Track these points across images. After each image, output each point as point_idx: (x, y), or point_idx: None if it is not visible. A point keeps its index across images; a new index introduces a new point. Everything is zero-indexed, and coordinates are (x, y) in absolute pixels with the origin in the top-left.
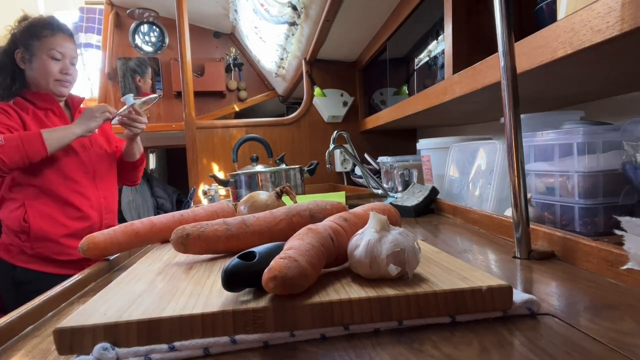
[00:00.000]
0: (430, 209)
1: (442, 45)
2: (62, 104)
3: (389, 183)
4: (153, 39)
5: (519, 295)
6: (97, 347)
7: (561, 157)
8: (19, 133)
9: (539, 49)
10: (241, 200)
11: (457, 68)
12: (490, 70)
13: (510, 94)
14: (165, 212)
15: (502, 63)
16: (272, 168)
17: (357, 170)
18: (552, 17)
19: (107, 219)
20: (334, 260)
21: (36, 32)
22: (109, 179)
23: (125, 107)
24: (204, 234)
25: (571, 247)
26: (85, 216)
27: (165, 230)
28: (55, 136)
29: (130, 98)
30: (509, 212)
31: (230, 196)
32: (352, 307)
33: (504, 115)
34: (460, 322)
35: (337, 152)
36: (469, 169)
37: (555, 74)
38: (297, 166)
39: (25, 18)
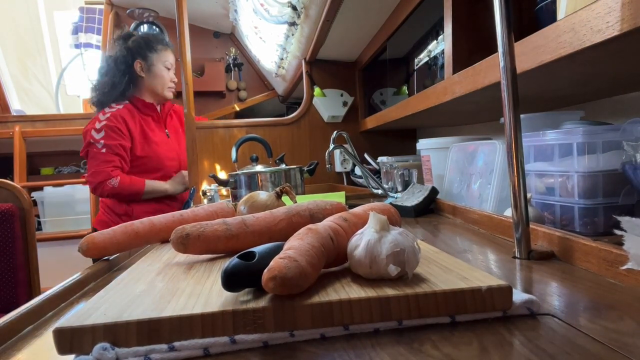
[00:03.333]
0: (430, 209)
1: (442, 45)
2: (158, 109)
3: (389, 183)
4: None
5: (518, 295)
6: (97, 347)
7: (561, 157)
8: (130, 182)
9: (539, 49)
10: (241, 201)
11: (457, 68)
12: (490, 70)
13: (510, 94)
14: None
15: (502, 63)
16: (272, 168)
17: (357, 170)
18: (552, 17)
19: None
20: (333, 260)
21: (153, 46)
22: None
23: None
24: (203, 234)
25: (571, 247)
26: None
27: (165, 230)
28: (151, 189)
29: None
30: (508, 212)
31: (230, 196)
32: (352, 307)
33: (504, 115)
34: (460, 322)
35: (337, 152)
36: (469, 169)
37: (555, 74)
38: (297, 166)
39: (129, 35)
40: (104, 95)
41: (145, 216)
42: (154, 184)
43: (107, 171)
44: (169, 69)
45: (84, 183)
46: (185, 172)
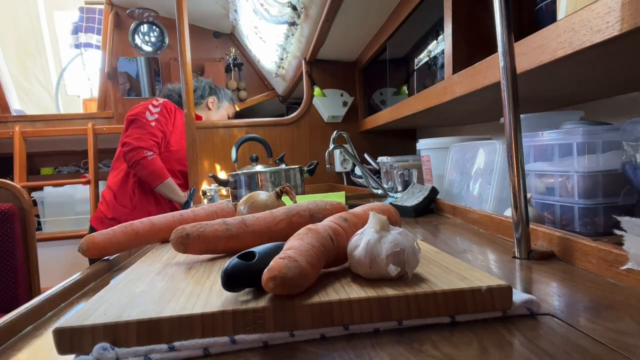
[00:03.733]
0: (430, 209)
1: (442, 45)
2: None
3: (389, 183)
4: (153, 39)
5: (518, 295)
6: (97, 347)
7: (561, 157)
8: (160, 165)
9: (539, 49)
10: (241, 201)
11: (457, 68)
12: (490, 70)
13: (510, 94)
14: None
15: (502, 63)
16: (272, 168)
17: (357, 170)
18: (552, 17)
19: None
20: (333, 260)
21: (228, 95)
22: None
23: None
24: (203, 234)
25: (571, 247)
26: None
27: (165, 230)
28: (169, 186)
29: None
30: (508, 212)
31: (230, 196)
32: (351, 307)
33: (504, 115)
34: (460, 322)
35: (337, 152)
36: (468, 169)
37: (555, 74)
38: (297, 166)
39: (212, 84)
40: (179, 98)
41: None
42: (174, 185)
43: (151, 142)
44: (227, 116)
45: (84, 183)
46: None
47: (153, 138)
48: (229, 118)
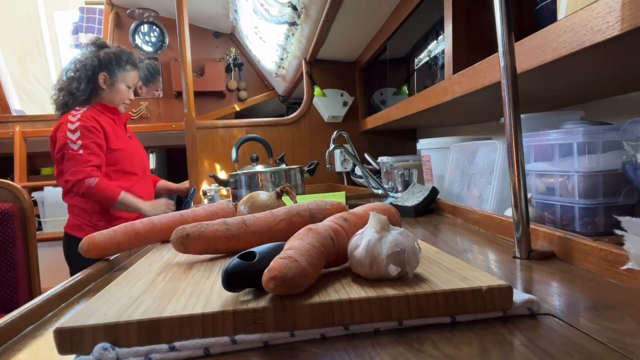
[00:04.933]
0: (430, 209)
1: (442, 45)
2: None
3: (389, 183)
4: (153, 39)
5: (519, 295)
6: (97, 347)
7: (561, 157)
8: (106, 185)
9: (539, 49)
10: (241, 201)
11: (457, 68)
12: (490, 70)
13: (510, 94)
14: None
15: (502, 63)
16: (272, 168)
17: (357, 170)
18: (552, 17)
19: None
20: (334, 260)
21: (121, 64)
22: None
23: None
24: (204, 234)
25: (571, 247)
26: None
27: (165, 230)
28: (125, 201)
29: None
30: (509, 212)
31: (230, 196)
32: (352, 307)
33: (504, 115)
34: (460, 322)
35: (337, 152)
36: (469, 169)
37: (555, 74)
38: (297, 166)
39: (103, 45)
40: (70, 96)
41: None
42: (129, 198)
43: (86, 170)
44: (129, 88)
45: (55, 185)
46: (171, 202)
47: (88, 165)
48: (134, 88)
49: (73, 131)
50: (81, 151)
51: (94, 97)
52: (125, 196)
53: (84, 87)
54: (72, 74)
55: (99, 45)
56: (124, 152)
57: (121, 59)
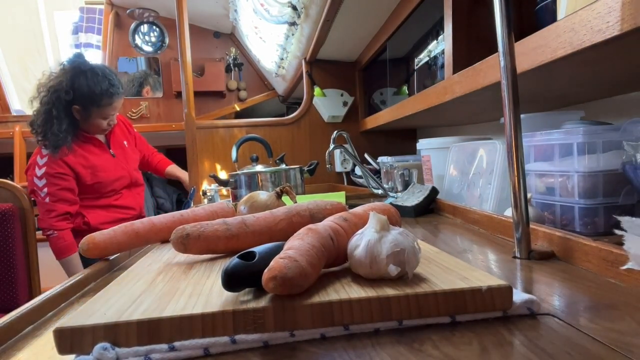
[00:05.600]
0: (430, 209)
1: (442, 45)
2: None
3: (389, 183)
4: (153, 39)
5: (519, 295)
6: (97, 347)
7: (561, 157)
8: (59, 244)
9: (539, 49)
10: (241, 200)
11: (457, 68)
12: (490, 70)
13: (510, 94)
14: (165, 212)
15: (502, 63)
16: (272, 168)
17: (357, 170)
18: (552, 17)
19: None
20: (334, 260)
21: (97, 100)
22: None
23: None
24: (204, 234)
25: (571, 247)
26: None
27: (165, 230)
28: (67, 267)
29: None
30: (509, 212)
31: (230, 196)
32: (352, 307)
33: (504, 115)
34: (460, 322)
35: (337, 152)
36: (469, 169)
37: (555, 74)
38: (297, 166)
39: (79, 66)
40: (51, 138)
41: (99, 223)
42: (73, 264)
43: (49, 221)
44: (107, 118)
45: None
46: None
47: (51, 215)
48: (108, 119)
49: (40, 177)
50: (47, 199)
51: (75, 130)
52: (70, 260)
53: (57, 127)
54: (45, 108)
55: (75, 66)
56: (105, 179)
57: (94, 95)
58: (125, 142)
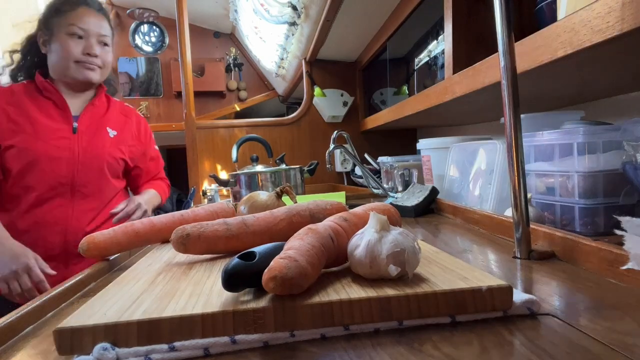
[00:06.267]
0: (430, 209)
1: (442, 45)
2: (91, 94)
3: (389, 183)
4: (153, 39)
5: (519, 295)
6: (97, 347)
7: (561, 157)
8: None
9: (539, 49)
10: (241, 201)
11: (457, 68)
12: (490, 70)
13: (510, 94)
14: (165, 212)
15: (502, 63)
16: (272, 168)
17: (357, 170)
18: (552, 17)
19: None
20: (334, 260)
21: (57, 7)
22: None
23: None
24: (204, 234)
25: (571, 247)
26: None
27: (165, 230)
28: None
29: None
30: (509, 212)
31: (230, 196)
32: (352, 307)
33: (504, 115)
34: (460, 322)
35: (337, 152)
36: (469, 169)
37: (555, 74)
38: (297, 166)
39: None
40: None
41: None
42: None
43: None
44: (78, 38)
45: None
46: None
47: None
48: (97, 38)
49: None
50: None
51: (36, 65)
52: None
53: (23, 58)
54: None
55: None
56: (35, 157)
57: (56, 2)
58: (111, 131)
